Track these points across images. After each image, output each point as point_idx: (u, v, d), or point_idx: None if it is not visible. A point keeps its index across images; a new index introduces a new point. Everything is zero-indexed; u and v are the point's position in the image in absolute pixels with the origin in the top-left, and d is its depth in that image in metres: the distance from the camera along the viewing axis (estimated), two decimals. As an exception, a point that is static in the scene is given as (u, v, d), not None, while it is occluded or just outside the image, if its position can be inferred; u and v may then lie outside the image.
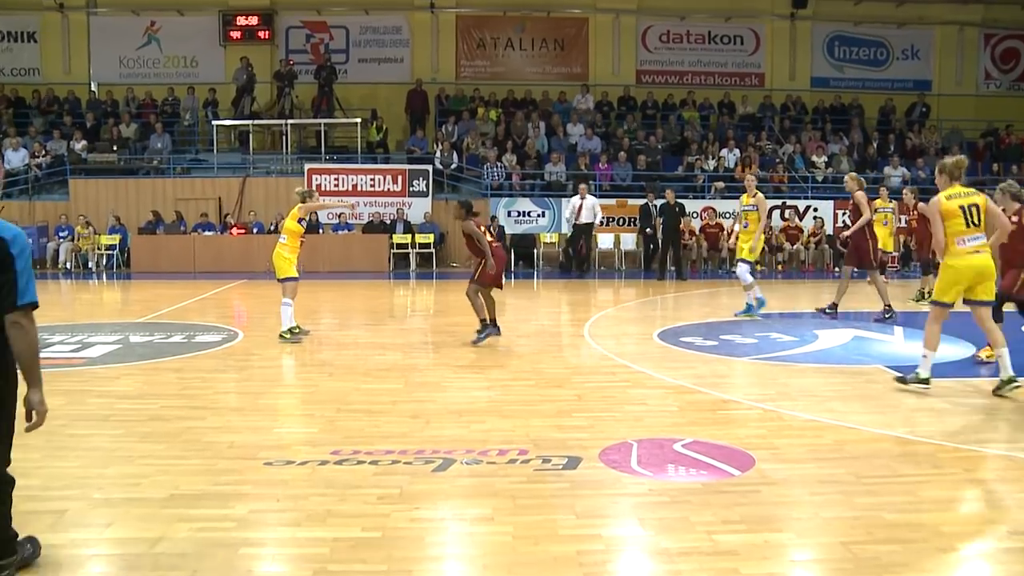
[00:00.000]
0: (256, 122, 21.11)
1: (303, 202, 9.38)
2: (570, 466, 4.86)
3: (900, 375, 6.96)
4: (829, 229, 19.53)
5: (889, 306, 10.71)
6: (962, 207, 6.48)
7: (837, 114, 23.26)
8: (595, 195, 19.70)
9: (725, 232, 11.76)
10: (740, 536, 3.88)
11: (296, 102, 21.57)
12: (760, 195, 11.17)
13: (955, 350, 8.55)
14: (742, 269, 10.84)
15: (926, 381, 6.67)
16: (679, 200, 17.49)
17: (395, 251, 18.80)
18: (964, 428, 5.74)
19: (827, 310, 11.04)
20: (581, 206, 17.75)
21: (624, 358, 8.23)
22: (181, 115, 22.35)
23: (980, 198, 6.58)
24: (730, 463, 4.91)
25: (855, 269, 11.44)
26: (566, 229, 18.52)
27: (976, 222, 6.48)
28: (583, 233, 17.96)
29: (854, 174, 11.50)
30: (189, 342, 9.09)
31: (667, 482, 4.62)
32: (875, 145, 21.89)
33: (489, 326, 9.05)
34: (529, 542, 3.84)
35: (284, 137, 20.79)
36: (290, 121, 20.87)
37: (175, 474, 4.65)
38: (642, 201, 19.32)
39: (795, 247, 19.21)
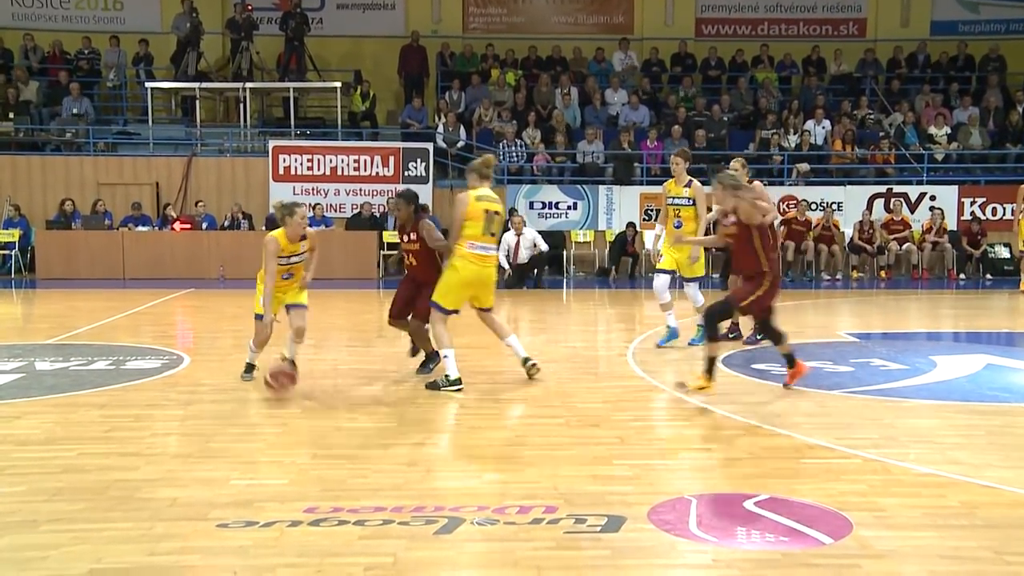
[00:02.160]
0: (204, 85, 21.33)
1: (282, 223, 8.43)
2: (610, 528, 4.87)
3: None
4: (952, 223, 19.43)
5: None
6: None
7: (966, 70, 23.09)
8: (641, 181, 19.78)
9: (655, 236, 10.69)
10: (834, 622, 3.87)
11: (257, 60, 21.80)
12: (697, 184, 10.25)
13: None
14: (691, 289, 10.51)
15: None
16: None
17: (386, 252, 18.90)
18: None
19: None
20: (518, 243, 17.49)
21: (679, 390, 8.23)
22: (103, 73, 22.58)
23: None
24: (819, 528, 4.89)
25: None
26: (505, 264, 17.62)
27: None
28: (531, 268, 17.65)
29: None
30: (117, 370, 9.18)
31: (737, 550, 4.61)
32: (1020, 111, 21.67)
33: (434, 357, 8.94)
34: (559, 627, 3.86)
35: (241, 105, 20.99)
36: (249, 84, 21.10)
37: (97, 543, 4.67)
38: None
39: (904, 247, 19.14)
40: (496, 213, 8.19)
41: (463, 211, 8.11)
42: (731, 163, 10.53)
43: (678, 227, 10.26)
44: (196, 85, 21.09)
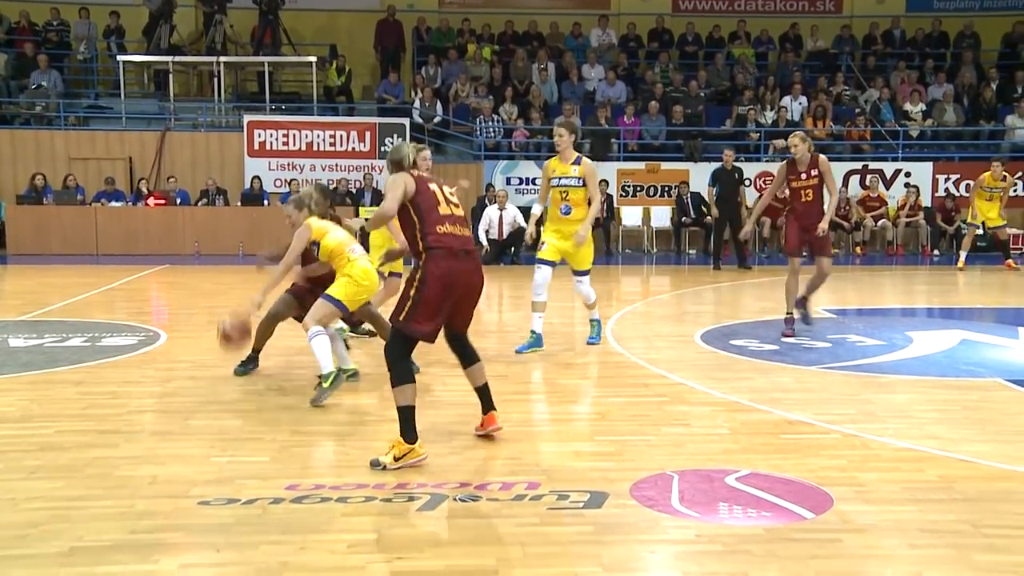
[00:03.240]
0: (177, 59, 21.08)
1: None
2: (593, 504, 4.89)
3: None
4: (927, 200, 19.56)
5: None
6: None
7: (941, 47, 23.18)
8: (618, 157, 19.79)
9: (533, 216, 9.35)
10: (817, 595, 3.90)
11: (230, 33, 21.57)
12: (587, 161, 8.84)
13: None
14: (583, 284, 9.09)
15: None
16: (736, 165, 17.23)
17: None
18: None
19: None
20: (501, 219, 17.45)
21: (658, 366, 8.26)
22: (73, 46, 22.25)
23: None
24: (801, 502, 4.93)
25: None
26: (484, 240, 17.58)
27: None
28: (508, 245, 17.56)
29: None
30: (93, 346, 9.11)
31: (719, 526, 4.64)
32: (994, 88, 21.79)
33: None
34: (544, 602, 3.87)
35: (216, 80, 20.77)
36: (223, 59, 20.87)
37: (77, 520, 4.64)
38: (680, 166, 19.40)
39: (879, 224, 19.25)
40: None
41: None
42: (790, 138, 9.72)
43: (566, 213, 8.83)
44: (169, 59, 20.82)
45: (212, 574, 4.10)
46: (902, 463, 5.65)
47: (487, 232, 17.42)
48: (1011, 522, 4.73)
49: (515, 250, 17.58)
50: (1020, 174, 18.66)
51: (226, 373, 7.95)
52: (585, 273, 9.07)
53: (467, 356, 6.00)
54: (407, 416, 5.46)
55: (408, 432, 5.44)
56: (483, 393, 6.03)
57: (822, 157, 9.64)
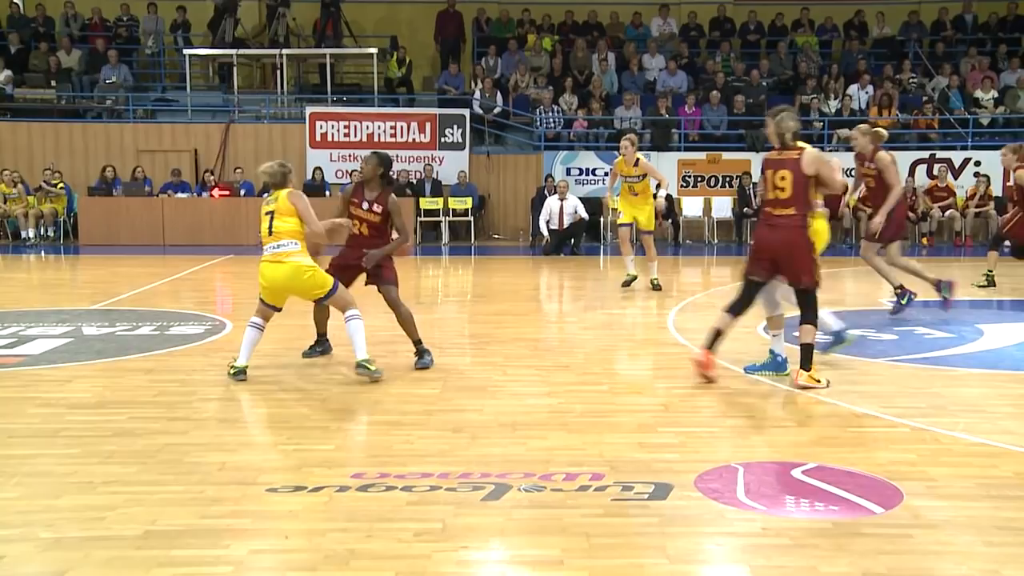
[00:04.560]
0: (241, 52, 21.36)
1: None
2: (658, 495, 4.86)
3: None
4: (997, 189, 19.07)
5: None
6: None
7: (1016, 31, 22.57)
8: (679, 148, 19.64)
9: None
10: (888, 592, 3.84)
11: (293, 26, 21.79)
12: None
13: None
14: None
15: None
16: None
17: (422, 219, 18.93)
18: None
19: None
20: (562, 209, 17.36)
21: (722, 357, 8.15)
22: (141, 40, 22.69)
23: None
24: (870, 497, 4.85)
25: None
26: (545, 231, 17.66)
27: None
28: (569, 236, 17.53)
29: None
30: (162, 335, 9.27)
31: (786, 519, 4.58)
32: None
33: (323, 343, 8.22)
34: (610, 594, 3.86)
35: (278, 72, 21.01)
36: (286, 51, 21.10)
37: (150, 505, 4.73)
38: (742, 156, 19.18)
39: (947, 214, 18.84)
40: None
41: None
42: (853, 130, 10.33)
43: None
44: (233, 52, 21.11)
45: (280, 560, 4.15)
46: (975, 458, 5.53)
47: (547, 223, 17.38)
48: (1090, 520, 4.60)
49: (575, 241, 17.53)
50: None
51: (290, 362, 8.05)
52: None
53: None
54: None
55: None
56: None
57: (882, 153, 9.70)
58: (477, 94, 20.74)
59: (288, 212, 7.37)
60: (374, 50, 21.30)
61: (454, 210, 19.09)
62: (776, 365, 7.48)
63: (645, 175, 12.02)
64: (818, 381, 7.00)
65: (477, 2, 23.26)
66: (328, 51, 21.15)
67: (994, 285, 12.24)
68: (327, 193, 18.92)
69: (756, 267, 7.23)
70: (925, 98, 20.64)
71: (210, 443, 5.78)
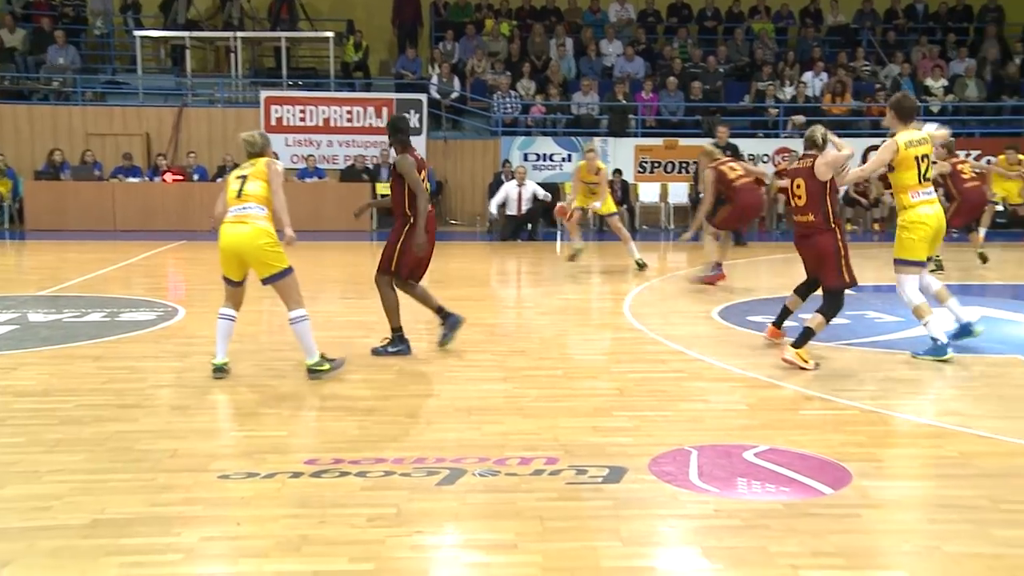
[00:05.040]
0: (194, 34, 21.06)
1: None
2: (612, 479, 4.90)
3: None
4: (948, 175, 19.35)
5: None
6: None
7: (964, 21, 22.89)
8: (636, 133, 19.71)
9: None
10: (835, 572, 3.90)
11: (248, 8, 21.55)
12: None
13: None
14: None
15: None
16: (731, 141, 17.11)
17: (378, 203, 18.79)
18: None
19: None
20: (520, 195, 17.36)
21: (676, 342, 8.25)
22: (89, 21, 22.24)
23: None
24: (820, 478, 4.92)
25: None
26: (494, 210, 17.88)
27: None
28: (526, 221, 17.57)
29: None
30: (112, 321, 9.16)
31: (738, 501, 4.64)
32: (1018, 62, 21.52)
33: (399, 339, 7.78)
34: (563, 575, 3.87)
35: (232, 55, 20.75)
36: (240, 34, 20.83)
37: (99, 493, 4.68)
38: (699, 142, 19.29)
39: (898, 201, 19.07)
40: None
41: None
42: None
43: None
44: (186, 34, 20.81)
45: (232, 547, 4.13)
46: (921, 439, 5.64)
47: (502, 207, 17.37)
48: (1031, 498, 4.72)
49: (533, 226, 17.54)
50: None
51: (243, 347, 7.98)
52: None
53: None
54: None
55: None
56: None
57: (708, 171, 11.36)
58: (434, 79, 20.65)
59: (262, 177, 7.09)
60: (330, 34, 21.11)
61: (411, 195, 18.97)
62: (936, 350, 7.51)
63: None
64: (806, 361, 7.24)
65: (434, -14, 23.15)
66: (283, 34, 20.94)
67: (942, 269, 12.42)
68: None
69: (805, 267, 7.85)
70: (878, 85, 20.88)
71: (161, 431, 5.73)
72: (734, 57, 21.98)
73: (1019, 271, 13.52)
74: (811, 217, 7.33)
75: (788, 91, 20.71)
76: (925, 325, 7.63)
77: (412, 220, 7.62)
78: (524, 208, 17.31)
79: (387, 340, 7.80)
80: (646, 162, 19.82)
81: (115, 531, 4.23)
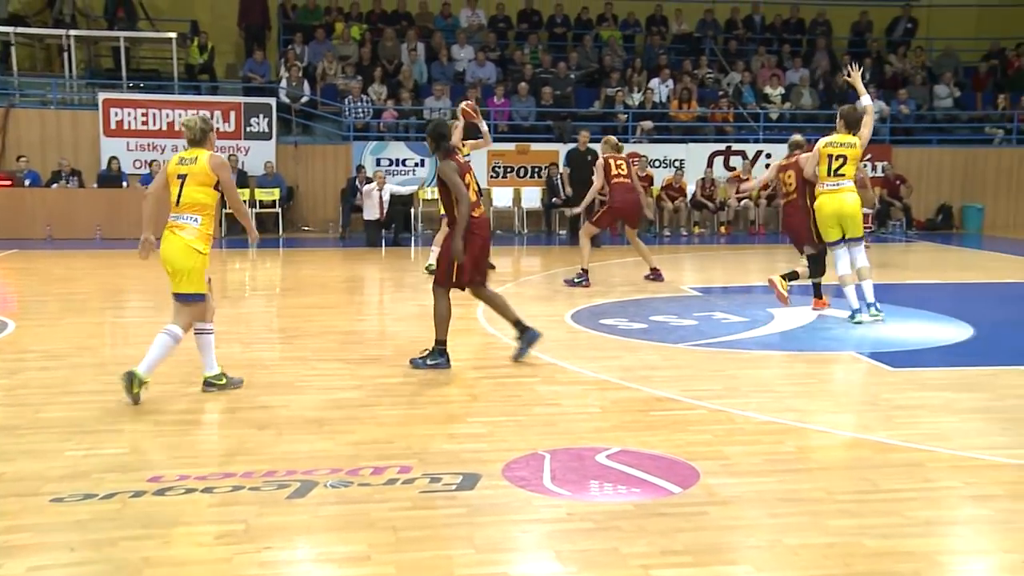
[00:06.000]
0: (19, 30, 19.95)
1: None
2: (466, 486, 4.89)
3: None
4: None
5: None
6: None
7: (798, 33, 23.98)
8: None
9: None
10: (684, 571, 4.00)
11: (80, 5, 20.59)
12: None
13: (951, 332, 9.06)
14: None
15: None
16: (591, 146, 17.51)
17: (227, 211, 18.28)
18: (962, 431, 6.03)
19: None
20: (381, 199, 17.26)
21: (534, 348, 8.31)
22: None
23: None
24: (669, 478, 5.04)
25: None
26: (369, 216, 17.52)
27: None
28: (389, 223, 17.53)
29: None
30: (-62, 336, 8.62)
31: (590, 503, 4.71)
32: (846, 73, 22.64)
33: (440, 352, 7.57)
34: (417, 587, 3.85)
35: (65, 54, 19.80)
36: (73, 32, 19.89)
37: (-80, 520, 4.39)
38: (550, 147, 19.58)
39: (742, 204, 19.82)
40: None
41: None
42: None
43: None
44: (11, 30, 19.66)
45: (66, 575, 3.92)
46: (764, 436, 5.85)
47: (365, 212, 17.17)
48: (861, 487, 4.97)
49: (397, 227, 17.38)
50: (870, 157, 19.36)
51: (84, 362, 7.62)
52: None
53: None
54: None
55: None
56: None
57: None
58: (284, 83, 20.26)
59: (205, 180, 6.67)
60: (173, 35, 20.39)
61: (261, 202, 18.56)
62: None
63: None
64: (784, 294, 9.65)
65: (283, -12, 22.70)
66: (122, 34, 20.10)
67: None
68: (124, 184, 18.03)
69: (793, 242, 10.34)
70: (721, 93, 21.64)
71: (-11, 452, 5.41)
72: (584, 63, 22.38)
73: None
74: (796, 199, 9.84)
75: (636, 97, 21.23)
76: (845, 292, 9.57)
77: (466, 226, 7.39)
78: (384, 211, 17.14)
79: (426, 352, 7.58)
80: (499, 167, 19.96)
81: (-64, 563, 3.97)
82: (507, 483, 4.95)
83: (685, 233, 19.53)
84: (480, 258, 7.57)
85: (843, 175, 9.28)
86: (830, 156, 9.34)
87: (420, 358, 7.56)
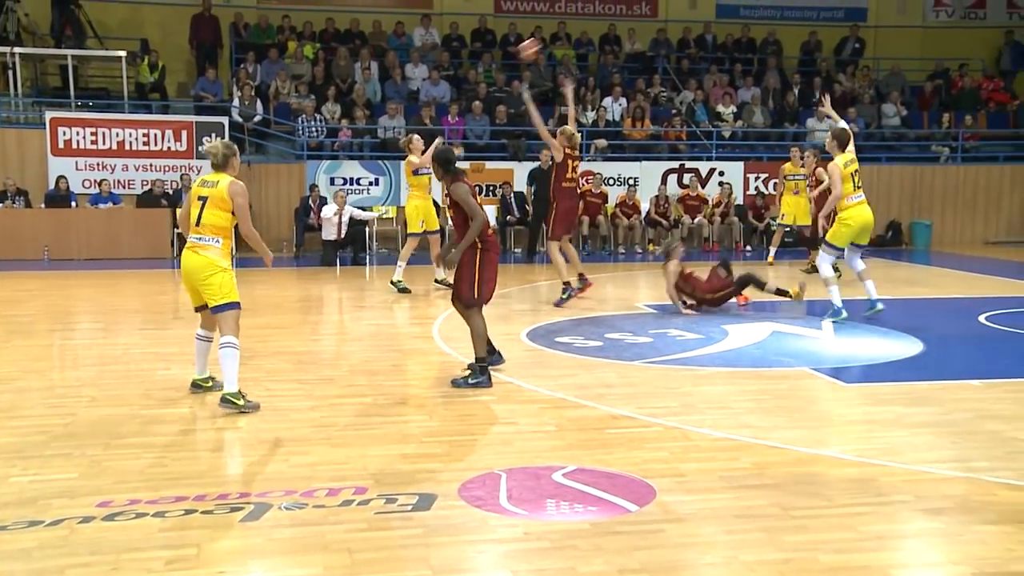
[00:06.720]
0: (-41, 46, 19.60)
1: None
2: (422, 506, 4.88)
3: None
4: (740, 198, 20.45)
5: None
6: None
7: (749, 52, 24.33)
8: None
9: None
10: (641, 585, 4.01)
11: (26, 22, 20.30)
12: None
13: (901, 347, 9.20)
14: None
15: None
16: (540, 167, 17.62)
17: (179, 231, 18.11)
18: (913, 445, 6.12)
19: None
20: (340, 219, 17.04)
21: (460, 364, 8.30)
22: None
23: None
24: (625, 496, 5.06)
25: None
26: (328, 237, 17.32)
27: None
28: (347, 243, 17.35)
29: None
30: None
31: (546, 522, 4.71)
32: (796, 92, 23.07)
33: (482, 370, 7.63)
34: (373, 609, 3.82)
35: (10, 72, 19.51)
36: (17, 50, 19.60)
37: None
38: (504, 165, 19.65)
39: (696, 221, 20.00)
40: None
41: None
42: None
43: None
44: (-47, 47, 19.37)
45: (14, 602, 3.85)
46: (719, 452, 5.90)
47: (324, 231, 17.02)
48: (815, 503, 5.02)
49: (355, 250, 17.24)
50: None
51: (31, 386, 7.47)
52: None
53: None
54: None
55: None
56: None
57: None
58: (236, 102, 20.12)
59: (223, 205, 6.90)
60: (122, 53, 20.16)
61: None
62: (836, 312, 10.51)
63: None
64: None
65: (235, 7, 22.57)
66: (69, 52, 19.84)
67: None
68: (73, 204, 17.76)
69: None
70: (674, 111, 21.85)
71: (-68, 479, 5.29)
72: (537, 82, 22.48)
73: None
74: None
75: (590, 115, 21.38)
76: (829, 292, 10.61)
77: (481, 246, 7.52)
78: (343, 232, 17.02)
79: (468, 372, 7.58)
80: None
81: None
82: (463, 503, 4.94)
83: (640, 251, 19.64)
84: (495, 275, 7.76)
85: (860, 187, 10.61)
86: (852, 173, 10.47)
87: (462, 378, 7.56)
